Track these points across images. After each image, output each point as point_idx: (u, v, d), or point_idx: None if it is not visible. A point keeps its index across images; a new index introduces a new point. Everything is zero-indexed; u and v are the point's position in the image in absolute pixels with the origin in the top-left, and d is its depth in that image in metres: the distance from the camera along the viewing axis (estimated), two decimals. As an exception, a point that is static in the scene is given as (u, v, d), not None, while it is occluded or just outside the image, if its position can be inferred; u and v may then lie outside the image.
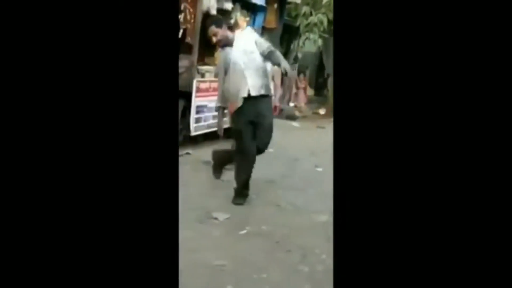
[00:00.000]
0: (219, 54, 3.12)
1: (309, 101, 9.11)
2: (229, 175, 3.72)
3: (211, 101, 4.54)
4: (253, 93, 2.96)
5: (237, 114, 3.03)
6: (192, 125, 4.31)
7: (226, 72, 2.97)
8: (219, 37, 3.02)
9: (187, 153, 4.22)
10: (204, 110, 4.48)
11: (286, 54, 7.58)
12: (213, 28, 3.02)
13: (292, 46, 7.58)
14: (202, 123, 4.49)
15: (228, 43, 3.04)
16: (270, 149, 4.79)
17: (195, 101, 4.29)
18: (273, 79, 4.77)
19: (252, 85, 2.96)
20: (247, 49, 3.01)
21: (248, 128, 3.00)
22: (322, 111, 8.35)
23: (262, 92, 3.01)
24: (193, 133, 4.37)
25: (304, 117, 7.82)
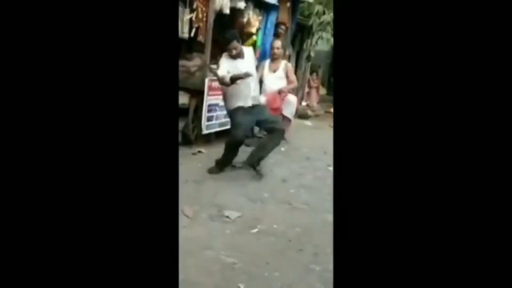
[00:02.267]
0: (224, 61, 3.54)
1: (322, 100, 9.06)
2: (240, 173, 3.73)
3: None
4: (255, 102, 3.61)
5: (236, 114, 3.56)
6: (204, 123, 4.33)
7: (233, 79, 3.38)
8: (238, 50, 3.49)
9: (199, 152, 4.23)
10: (216, 109, 4.48)
11: (299, 53, 7.55)
12: (235, 43, 3.46)
13: (305, 45, 7.53)
14: (213, 122, 4.49)
15: (240, 55, 3.53)
16: (282, 148, 4.82)
17: (207, 100, 4.29)
18: (287, 75, 4.78)
19: (253, 96, 3.59)
20: (253, 64, 3.69)
21: (243, 123, 3.53)
22: (335, 110, 8.27)
23: (257, 103, 3.68)
24: (204, 132, 4.38)
25: (317, 116, 7.77)
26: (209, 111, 4.37)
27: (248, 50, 3.71)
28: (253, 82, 3.61)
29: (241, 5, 4.72)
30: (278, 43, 4.88)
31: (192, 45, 4.64)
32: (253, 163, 3.64)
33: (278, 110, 4.64)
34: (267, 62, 4.93)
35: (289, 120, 4.87)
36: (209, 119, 4.41)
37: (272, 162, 4.11)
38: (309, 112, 7.67)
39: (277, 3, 5.48)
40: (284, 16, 5.95)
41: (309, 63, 8.15)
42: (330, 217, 2.90)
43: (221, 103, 4.47)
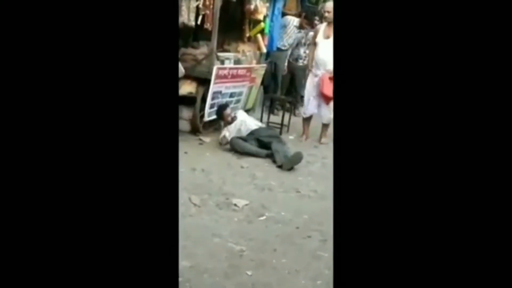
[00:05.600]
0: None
1: (331, 88, 9.00)
2: (248, 161, 3.73)
3: (227, 88, 4.55)
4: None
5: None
6: (207, 110, 4.32)
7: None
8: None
9: (200, 140, 4.25)
10: (218, 96, 4.45)
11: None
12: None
13: (313, 31, 7.46)
14: (215, 109, 4.47)
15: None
16: (290, 136, 4.81)
17: (213, 88, 4.27)
18: None
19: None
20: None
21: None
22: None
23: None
24: (206, 119, 4.38)
25: (326, 104, 7.74)
26: (212, 98, 4.35)
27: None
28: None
29: (248, -8, 4.68)
30: (330, 5, 4.38)
31: (198, 33, 4.61)
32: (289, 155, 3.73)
33: (331, 99, 4.29)
34: (323, 27, 4.54)
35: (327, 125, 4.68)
36: (211, 106, 4.40)
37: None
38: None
39: (284, -11, 5.44)
40: (292, 2, 5.90)
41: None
42: (338, 204, 2.90)
43: (224, 90, 4.46)
